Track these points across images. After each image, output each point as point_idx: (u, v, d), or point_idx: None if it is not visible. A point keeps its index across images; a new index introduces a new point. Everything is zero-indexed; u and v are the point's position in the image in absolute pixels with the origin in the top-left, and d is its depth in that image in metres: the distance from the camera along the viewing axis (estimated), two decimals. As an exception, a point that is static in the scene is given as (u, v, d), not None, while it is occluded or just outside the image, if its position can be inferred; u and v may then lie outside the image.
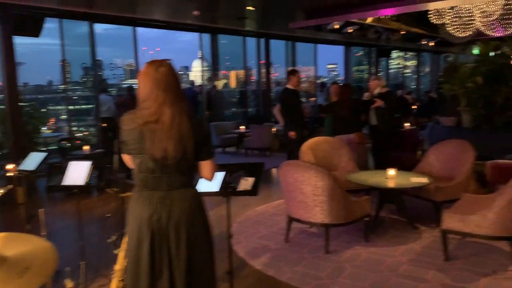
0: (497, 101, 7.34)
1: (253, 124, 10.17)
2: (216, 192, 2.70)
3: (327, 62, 23.34)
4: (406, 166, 5.67)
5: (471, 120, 7.65)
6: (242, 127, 10.20)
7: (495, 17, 8.35)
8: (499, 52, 8.40)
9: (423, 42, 17.65)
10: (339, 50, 16.56)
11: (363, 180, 4.66)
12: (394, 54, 20.30)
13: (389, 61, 21.39)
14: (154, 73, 2.03)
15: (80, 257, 3.51)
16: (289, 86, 6.73)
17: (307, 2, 8.48)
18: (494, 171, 5.86)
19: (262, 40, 12.69)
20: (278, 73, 15.35)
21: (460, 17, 8.22)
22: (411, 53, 20.67)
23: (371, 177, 4.78)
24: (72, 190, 3.43)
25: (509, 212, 3.53)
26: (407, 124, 10.13)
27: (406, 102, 14.77)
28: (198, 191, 2.19)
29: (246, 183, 2.66)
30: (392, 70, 21.64)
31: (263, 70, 12.99)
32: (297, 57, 14.65)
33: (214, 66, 11.89)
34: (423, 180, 4.53)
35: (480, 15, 8.26)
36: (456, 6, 8.47)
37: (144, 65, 2.10)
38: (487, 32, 8.83)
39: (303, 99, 16.34)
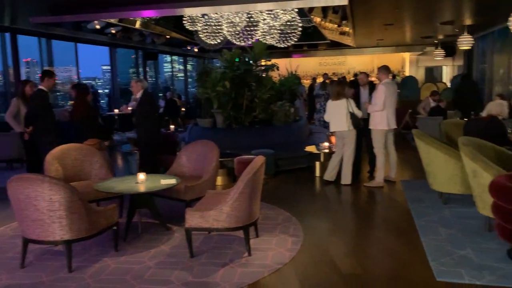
0: (243, 103, 8.20)
1: (-4, 132, 8.68)
2: None
3: (102, 63, 22.34)
4: (168, 168, 5.76)
5: (223, 120, 8.35)
6: (-19, 137, 8.60)
7: (239, 28, 9.32)
8: (245, 59, 9.42)
9: (188, 48, 18.60)
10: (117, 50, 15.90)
11: (110, 188, 4.46)
12: (168, 57, 20.76)
13: (164, 65, 21.75)
14: None
15: None
16: (42, 87, 6.15)
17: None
18: (240, 165, 6.52)
19: (8, 36, 11.02)
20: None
21: (210, 25, 8.85)
22: (188, 58, 21.47)
23: (121, 184, 4.62)
24: None
25: (241, 204, 3.89)
26: (172, 126, 10.39)
27: (175, 105, 15.27)
28: None
29: None
30: (166, 74, 22.07)
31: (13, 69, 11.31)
32: (56, 56, 13.36)
33: None
34: (172, 181, 4.62)
35: (227, 25, 9.07)
36: (207, 15, 9.11)
37: None
38: (234, 41, 9.78)
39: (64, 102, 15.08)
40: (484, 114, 8.82)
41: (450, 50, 15.97)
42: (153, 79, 19.22)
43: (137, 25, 13.30)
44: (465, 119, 8.25)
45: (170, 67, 21.77)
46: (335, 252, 4.13)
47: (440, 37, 14.34)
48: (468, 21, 10.39)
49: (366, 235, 4.71)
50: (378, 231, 4.81)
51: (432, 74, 20.25)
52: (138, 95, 6.43)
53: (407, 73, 19.68)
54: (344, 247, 4.31)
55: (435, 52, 14.37)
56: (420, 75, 19.57)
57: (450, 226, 4.67)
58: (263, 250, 4.13)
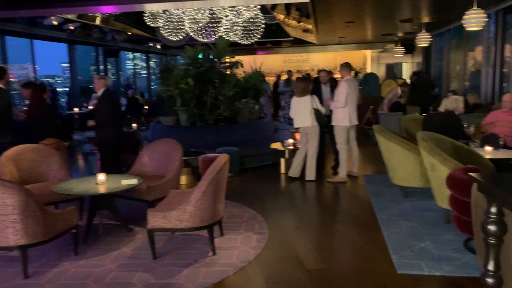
0: (207, 100, 8.12)
1: None
2: None
3: (61, 60, 21.62)
4: (130, 167, 5.62)
5: (187, 118, 8.23)
6: None
7: (202, 24, 9.23)
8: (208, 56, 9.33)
9: (150, 44, 18.28)
10: (77, 47, 15.37)
11: (69, 190, 4.30)
12: (131, 55, 20.30)
13: (126, 62, 21.21)
14: None
15: None
16: None
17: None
18: (204, 164, 6.44)
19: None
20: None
21: (171, 21, 8.71)
22: (151, 55, 21.06)
23: (80, 185, 4.46)
24: None
25: (204, 203, 3.85)
26: (134, 125, 10.18)
27: (137, 103, 14.95)
28: None
29: None
30: (129, 71, 21.58)
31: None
32: (11, 53, 12.78)
33: None
34: (133, 181, 4.51)
35: (189, 22, 8.96)
36: (168, 12, 8.96)
37: None
38: (198, 38, 9.69)
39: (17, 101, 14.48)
40: (441, 109, 9.12)
41: (410, 47, 16.44)
42: (115, 76, 18.78)
43: (97, 21, 12.95)
44: (423, 115, 8.50)
45: (132, 64, 21.31)
46: (299, 248, 4.16)
47: (400, 34, 14.72)
48: (425, 19, 10.71)
49: (330, 230, 4.77)
50: (342, 226, 4.88)
51: (393, 70, 20.77)
52: (100, 92, 6.24)
53: (368, 70, 20.10)
54: (309, 243, 4.34)
55: (395, 49, 14.74)
56: (381, 72, 20.04)
57: (410, 219, 4.79)
58: (228, 248, 4.10)
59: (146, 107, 15.85)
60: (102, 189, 4.31)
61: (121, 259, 3.95)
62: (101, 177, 4.45)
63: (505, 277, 2.14)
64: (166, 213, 3.84)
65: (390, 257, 3.82)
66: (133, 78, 20.83)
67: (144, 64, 21.73)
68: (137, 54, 20.46)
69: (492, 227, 2.03)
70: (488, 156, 4.87)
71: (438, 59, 15.63)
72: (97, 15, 12.46)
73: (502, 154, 5.19)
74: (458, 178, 3.75)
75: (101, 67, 17.09)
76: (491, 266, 2.06)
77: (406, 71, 20.33)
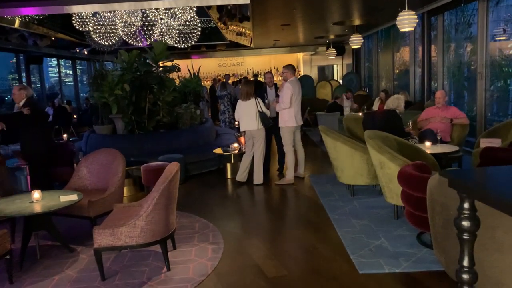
0: (145, 106, 7.75)
1: None
2: None
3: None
4: (65, 182, 5.17)
5: (124, 126, 7.81)
6: None
7: (135, 28, 8.82)
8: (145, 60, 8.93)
9: (77, 50, 17.30)
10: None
11: (-1, 211, 3.84)
12: (54, 61, 19.02)
13: (50, 69, 19.80)
14: None
15: None
16: None
17: None
18: (147, 174, 6.12)
19: None
20: None
21: (103, 25, 8.23)
22: (78, 61, 19.87)
23: (11, 205, 4.00)
24: None
25: (156, 216, 3.59)
26: (65, 135, 9.50)
27: (65, 112, 14.07)
28: None
29: None
30: (53, 79, 20.23)
31: None
32: None
33: None
34: (73, 197, 4.13)
35: (122, 25, 8.52)
36: (99, 15, 8.46)
37: None
38: (131, 42, 9.25)
39: None
40: (375, 108, 9.47)
41: (340, 49, 17.01)
42: (38, 85, 17.49)
43: (16, 24, 11.95)
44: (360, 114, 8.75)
45: (56, 71, 20.00)
46: (257, 256, 4.03)
47: (331, 37, 15.15)
48: (357, 21, 11.09)
49: (285, 234, 4.69)
50: (296, 229, 4.82)
51: (324, 72, 21.39)
52: (21, 103, 5.67)
53: (302, 73, 20.53)
54: (266, 249, 4.23)
55: (327, 52, 15.15)
56: (313, 74, 20.53)
57: (362, 217, 4.85)
58: (183, 262, 3.87)
59: (74, 116, 14.97)
60: (38, 208, 3.90)
61: (64, 284, 3.57)
62: (36, 194, 4.03)
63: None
64: (114, 230, 3.53)
65: (349, 257, 3.81)
66: (59, 86, 19.58)
67: (69, 71, 20.49)
68: (61, 61, 19.25)
69: (465, 223, 2.03)
70: (428, 151, 5.07)
71: (367, 60, 16.32)
72: (16, 17, 11.48)
73: (440, 148, 5.46)
74: (408, 174, 3.82)
75: (23, 75, 15.84)
76: (465, 262, 2.06)
77: (337, 73, 21.04)
